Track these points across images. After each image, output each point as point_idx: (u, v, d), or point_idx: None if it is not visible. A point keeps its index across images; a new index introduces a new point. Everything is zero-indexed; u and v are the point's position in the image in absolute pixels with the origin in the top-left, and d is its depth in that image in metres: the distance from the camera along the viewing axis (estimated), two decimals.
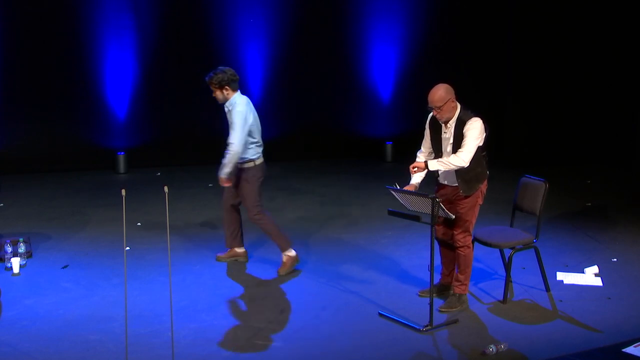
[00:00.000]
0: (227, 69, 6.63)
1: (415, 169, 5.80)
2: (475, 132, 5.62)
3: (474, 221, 5.87)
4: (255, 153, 6.68)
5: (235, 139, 6.45)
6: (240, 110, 6.51)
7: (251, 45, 10.87)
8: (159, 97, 10.81)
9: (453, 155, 5.65)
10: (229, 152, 6.45)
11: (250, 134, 6.57)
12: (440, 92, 5.61)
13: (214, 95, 6.63)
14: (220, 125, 11.08)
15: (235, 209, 6.93)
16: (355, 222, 8.28)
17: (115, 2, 10.39)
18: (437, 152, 5.86)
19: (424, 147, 6.00)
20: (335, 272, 6.78)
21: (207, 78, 6.60)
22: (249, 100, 6.73)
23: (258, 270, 6.85)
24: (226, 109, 6.64)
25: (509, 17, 10.68)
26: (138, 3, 10.45)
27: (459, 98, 5.74)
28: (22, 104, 10.42)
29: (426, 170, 5.89)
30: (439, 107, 5.63)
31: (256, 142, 6.68)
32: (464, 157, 5.61)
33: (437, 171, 5.85)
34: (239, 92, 6.68)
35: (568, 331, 5.60)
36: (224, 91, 6.59)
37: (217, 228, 8.10)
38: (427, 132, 5.95)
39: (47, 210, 8.80)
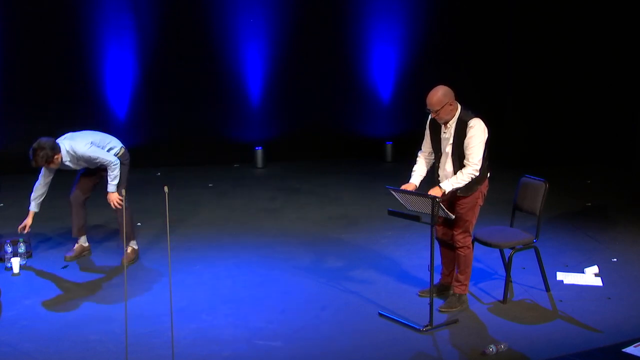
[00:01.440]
0: (43, 143, 6.55)
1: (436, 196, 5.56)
2: (478, 137, 5.62)
3: (474, 221, 5.87)
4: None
5: (116, 165, 6.75)
6: (86, 150, 6.63)
7: (251, 45, 10.87)
8: (159, 97, 10.81)
9: (464, 169, 5.64)
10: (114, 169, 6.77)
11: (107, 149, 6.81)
12: (438, 96, 5.61)
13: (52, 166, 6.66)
14: (221, 125, 11.16)
15: (85, 203, 7.10)
16: (355, 222, 8.28)
17: (115, 2, 10.39)
18: (437, 153, 5.87)
19: (424, 148, 6.01)
20: (335, 272, 6.78)
21: (40, 165, 6.60)
22: (80, 133, 6.81)
23: (258, 271, 6.85)
24: (72, 163, 6.73)
25: (509, 17, 10.68)
26: (138, 3, 10.45)
27: (458, 98, 5.74)
28: (22, 104, 10.43)
29: (426, 171, 5.92)
30: (436, 111, 5.64)
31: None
32: (474, 166, 5.62)
33: (436, 171, 5.87)
34: (64, 142, 6.67)
35: (568, 331, 5.59)
36: (55, 160, 6.60)
37: (217, 228, 8.10)
38: (427, 132, 5.95)
39: (47, 210, 8.77)
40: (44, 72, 10.38)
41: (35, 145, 6.52)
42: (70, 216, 7.16)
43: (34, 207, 6.89)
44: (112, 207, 6.88)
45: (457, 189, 5.71)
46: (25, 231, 6.90)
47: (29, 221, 6.89)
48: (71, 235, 7.23)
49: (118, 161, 6.78)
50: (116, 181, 6.78)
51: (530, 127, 10.64)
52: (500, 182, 8.46)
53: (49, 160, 6.54)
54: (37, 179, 6.83)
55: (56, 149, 6.57)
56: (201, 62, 10.82)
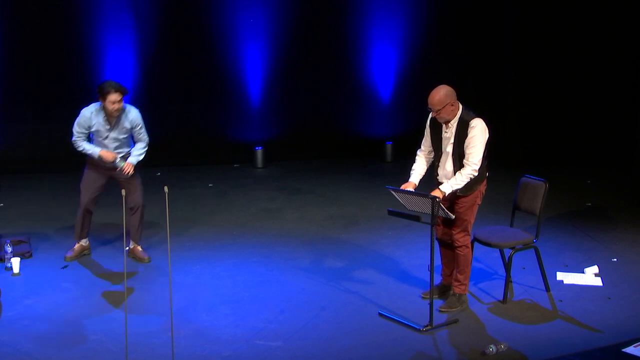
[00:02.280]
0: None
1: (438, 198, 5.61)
2: (479, 138, 5.63)
3: (472, 221, 5.87)
4: None
5: (147, 144, 7.08)
6: (138, 115, 6.95)
7: (251, 45, 10.87)
8: (159, 97, 10.80)
9: (462, 170, 5.65)
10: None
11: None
12: (440, 95, 5.61)
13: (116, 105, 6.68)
14: (221, 125, 11.15)
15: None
16: (355, 222, 8.28)
17: (115, 2, 10.39)
18: (437, 152, 5.87)
19: (424, 146, 6.00)
20: (335, 272, 6.78)
21: (120, 90, 6.65)
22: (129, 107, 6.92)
23: (258, 270, 6.85)
24: (118, 126, 6.84)
25: (509, 17, 10.67)
26: (138, 3, 10.45)
27: (458, 97, 5.73)
28: (23, 104, 10.42)
29: (425, 170, 5.92)
30: (437, 110, 5.64)
31: None
32: (474, 166, 5.63)
33: (436, 170, 5.87)
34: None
35: (568, 331, 5.60)
36: (122, 94, 6.70)
37: (217, 228, 8.10)
38: (427, 130, 5.95)
39: (47, 210, 8.80)
40: (43, 73, 10.37)
41: (107, 81, 6.66)
42: (76, 218, 7.13)
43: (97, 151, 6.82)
44: (123, 178, 6.89)
45: (457, 190, 5.72)
46: (118, 160, 6.83)
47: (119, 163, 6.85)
48: (73, 237, 7.21)
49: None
50: (140, 158, 6.93)
51: (530, 127, 10.63)
52: (500, 182, 8.48)
53: (124, 92, 6.63)
54: (80, 146, 6.77)
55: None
56: (201, 62, 10.82)
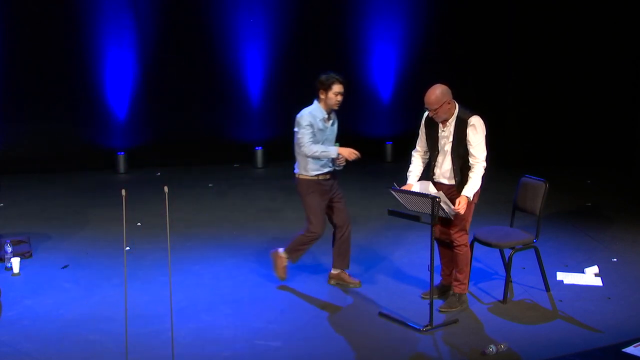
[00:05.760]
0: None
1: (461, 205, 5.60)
2: (480, 135, 5.64)
3: (470, 219, 5.87)
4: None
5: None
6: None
7: (251, 45, 10.87)
8: (159, 97, 10.81)
9: (474, 169, 5.66)
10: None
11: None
12: (436, 94, 5.61)
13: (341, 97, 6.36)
14: (221, 125, 11.15)
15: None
16: (355, 222, 8.24)
17: (115, 2, 10.39)
18: (434, 151, 5.85)
19: (420, 146, 5.99)
20: None
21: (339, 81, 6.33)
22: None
23: (258, 270, 6.85)
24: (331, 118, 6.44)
25: (510, 16, 10.68)
26: (138, 3, 10.46)
27: (458, 97, 5.73)
28: (23, 104, 10.43)
29: (422, 170, 5.91)
30: (435, 110, 5.64)
31: None
32: (483, 163, 5.66)
33: (432, 170, 5.87)
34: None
35: (568, 331, 5.59)
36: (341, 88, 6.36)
37: (217, 228, 8.10)
38: (422, 130, 5.93)
39: (47, 210, 8.80)
40: (44, 73, 10.38)
41: (328, 74, 6.29)
42: (303, 245, 6.49)
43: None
44: (337, 199, 6.47)
45: (458, 186, 5.72)
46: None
47: None
48: (292, 261, 6.55)
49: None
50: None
51: (530, 127, 10.64)
52: (500, 182, 8.48)
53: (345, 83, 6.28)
54: (315, 150, 6.15)
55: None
56: (201, 62, 10.82)
